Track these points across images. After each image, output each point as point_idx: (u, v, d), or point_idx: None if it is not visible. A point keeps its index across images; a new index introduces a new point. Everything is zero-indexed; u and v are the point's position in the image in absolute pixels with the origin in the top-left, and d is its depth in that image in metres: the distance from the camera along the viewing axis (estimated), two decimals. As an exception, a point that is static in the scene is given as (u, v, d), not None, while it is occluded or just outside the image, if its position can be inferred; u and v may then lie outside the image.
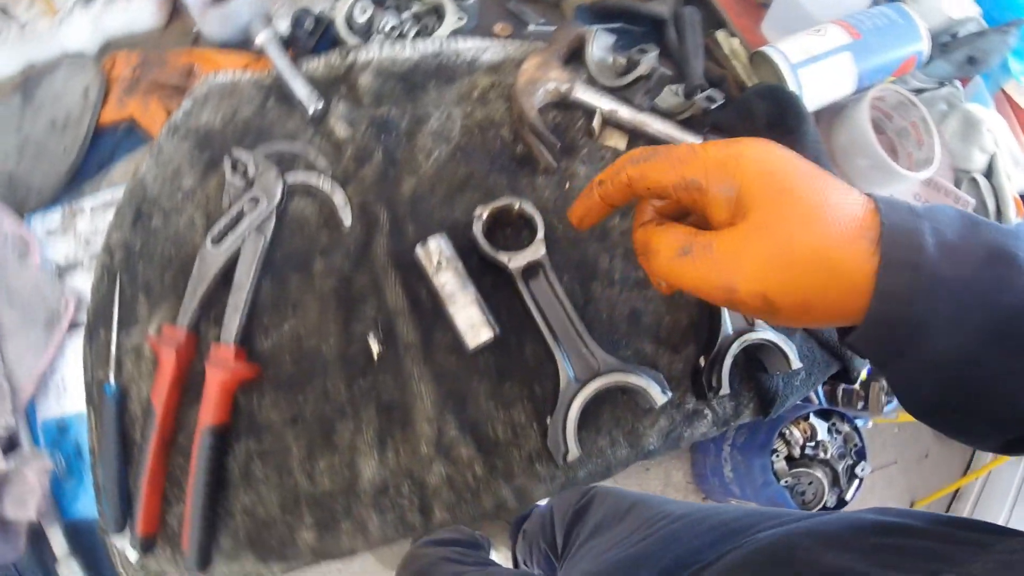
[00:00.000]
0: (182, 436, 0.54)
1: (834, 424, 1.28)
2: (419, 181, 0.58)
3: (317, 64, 0.62)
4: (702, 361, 0.53)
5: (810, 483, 1.25)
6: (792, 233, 0.29)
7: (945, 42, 0.68)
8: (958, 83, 0.71)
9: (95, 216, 0.62)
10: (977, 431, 0.32)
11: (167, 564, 0.53)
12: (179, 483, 0.53)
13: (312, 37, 0.64)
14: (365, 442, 0.53)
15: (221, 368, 0.52)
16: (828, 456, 1.26)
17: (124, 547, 0.53)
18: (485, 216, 0.53)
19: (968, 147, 0.68)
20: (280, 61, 0.61)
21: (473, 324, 0.50)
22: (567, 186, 0.58)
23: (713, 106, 0.58)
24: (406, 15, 0.65)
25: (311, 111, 0.59)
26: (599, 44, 0.60)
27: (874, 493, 1.64)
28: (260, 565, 0.53)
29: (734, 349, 0.51)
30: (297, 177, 0.57)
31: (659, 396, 0.48)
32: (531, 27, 0.66)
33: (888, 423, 1.67)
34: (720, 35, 0.66)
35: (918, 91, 0.69)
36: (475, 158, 0.59)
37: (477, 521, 0.53)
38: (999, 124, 0.69)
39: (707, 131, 0.59)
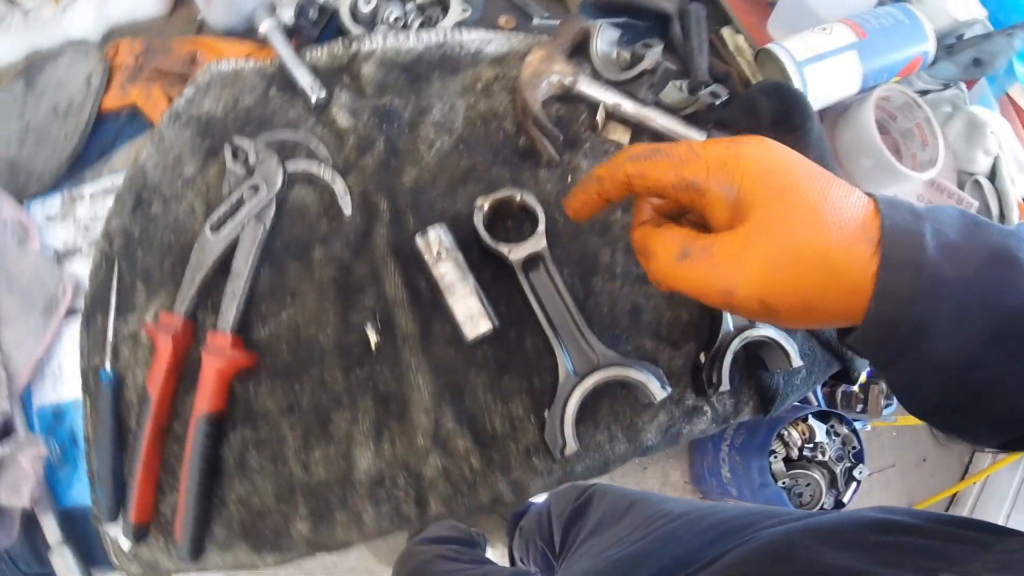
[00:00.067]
0: (177, 424, 0.54)
1: (832, 426, 1.28)
2: (421, 172, 0.58)
3: (320, 53, 0.62)
4: (702, 357, 0.52)
5: (808, 485, 1.25)
6: (793, 236, 0.29)
7: (951, 44, 0.68)
8: (963, 85, 0.71)
9: (95, 202, 0.62)
10: (977, 431, 0.32)
11: (160, 553, 0.53)
12: (174, 472, 0.53)
13: (316, 26, 0.63)
14: (361, 432, 0.53)
15: (218, 356, 0.51)
16: (826, 458, 1.26)
17: (117, 535, 0.53)
18: (486, 207, 0.52)
19: (972, 149, 0.67)
20: (283, 50, 0.61)
21: (472, 315, 0.50)
22: (569, 179, 0.58)
23: (717, 102, 0.57)
24: (410, 6, 0.64)
25: (314, 100, 0.59)
26: (604, 38, 0.60)
27: (872, 496, 1.63)
28: (253, 556, 0.53)
29: (735, 346, 0.51)
30: (298, 165, 0.57)
31: (658, 391, 0.48)
32: (535, 20, 0.65)
33: (887, 426, 1.67)
34: (725, 32, 0.66)
35: (923, 92, 0.69)
36: (477, 150, 0.59)
37: (473, 514, 0.53)
38: (1003, 127, 0.69)
39: (711, 127, 0.59)
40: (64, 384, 0.58)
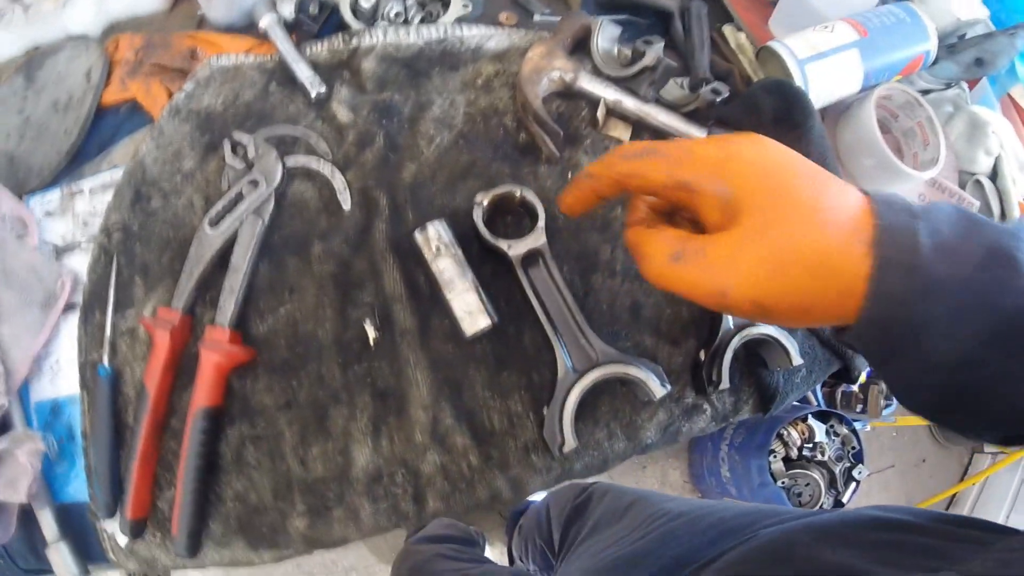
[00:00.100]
0: (175, 420, 0.54)
1: (832, 426, 1.28)
2: (420, 167, 0.58)
3: (320, 48, 0.62)
4: (702, 355, 0.52)
5: (807, 485, 1.25)
6: (786, 239, 0.29)
7: (952, 43, 0.68)
8: (965, 85, 0.71)
9: (94, 197, 0.62)
10: (976, 428, 0.32)
11: (157, 550, 0.53)
12: (171, 467, 0.53)
13: (316, 21, 0.63)
14: (359, 429, 0.52)
15: (215, 351, 0.51)
16: (825, 458, 1.25)
17: (114, 531, 0.53)
18: (486, 203, 0.52)
19: (973, 149, 0.67)
20: (283, 45, 0.60)
21: (471, 311, 0.50)
22: (569, 176, 0.58)
23: (718, 99, 0.57)
24: (411, 1, 0.64)
25: (313, 95, 0.59)
26: (605, 35, 0.60)
27: (871, 497, 1.63)
28: (250, 552, 0.53)
29: (735, 343, 0.51)
30: (297, 160, 0.57)
31: (658, 389, 0.48)
32: (536, 17, 0.65)
33: (886, 427, 1.67)
34: (727, 30, 0.66)
35: (924, 92, 0.69)
36: (477, 146, 0.59)
37: (471, 512, 0.52)
38: (1005, 127, 0.69)
39: (712, 124, 0.59)
40: (62, 379, 0.58)
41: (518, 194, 0.53)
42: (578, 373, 0.49)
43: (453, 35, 0.62)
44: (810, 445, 1.26)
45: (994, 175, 0.68)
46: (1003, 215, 0.67)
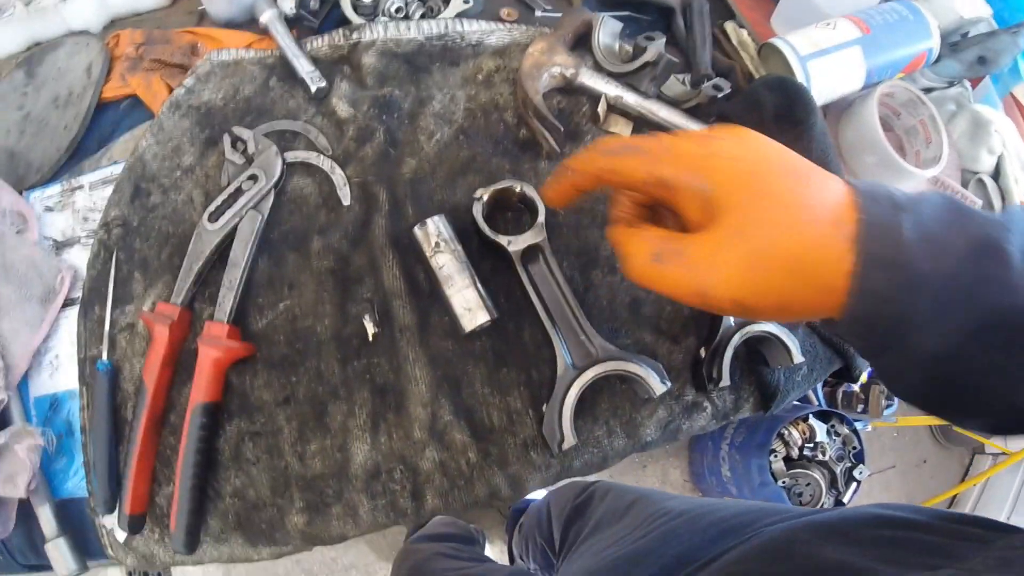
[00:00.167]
0: (173, 415, 0.54)
1: (833, 426, 1.28)
2: (420, 163, 0.58)
3: (321, 43, 0.62)
4: (703, 352, 0.52)
5: (807, 484, 1.24)
6: (766, 239, 0.29)
7: (955, 41, 0.67)
8: (967, 83, 0.70)
9: (93, 192, 0.62)
10: (967, 420, 0.32)
11: (155, 545, 0.53)
12: (169, 463, 0.53)
13: (317, 17, 0.63)
14: (358, 425, 0.52)
15: (214, 346, 0.51)
16: (826, 458, 1.25)
17: (113, 527, 0.53)
18: (486, 198, 0.52)
19: (976, 148, 0.67)
20: (284, 40, 0.60)
21: (470, 307, 0.50)
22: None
23: (720, 95, 0.57)
24: (412, -3, 0.64)
25: (314, 90, 0.59)
26: (606, 30, 0.60)
27: (871, 497, 1.63)
28: (249, 548, 0.52)
29: (735, 341, 0.50)
30: (297, 155, 0.57)
31: (658, 386, 0.48)
32: (537, 13, 0.65)
33: (887, 427, 1.66)
34: (729, 26, 0.66)
35: (927, 90, 0.69)
36: (478, 141, 0.58)
37: (470, 509, 0.52)
38: (1007, 126, 0.69)
39: (713, 120, 0.59)
40: (61, 374, 0.58)
41: (518, 190, 0.53)
42: (578, 370, 0.49)
43: (454, 30, 0.62)
44: (811, 445, 1.26)
45: (997, 174, 0.67)
46: (1005, 214, 0.66)
